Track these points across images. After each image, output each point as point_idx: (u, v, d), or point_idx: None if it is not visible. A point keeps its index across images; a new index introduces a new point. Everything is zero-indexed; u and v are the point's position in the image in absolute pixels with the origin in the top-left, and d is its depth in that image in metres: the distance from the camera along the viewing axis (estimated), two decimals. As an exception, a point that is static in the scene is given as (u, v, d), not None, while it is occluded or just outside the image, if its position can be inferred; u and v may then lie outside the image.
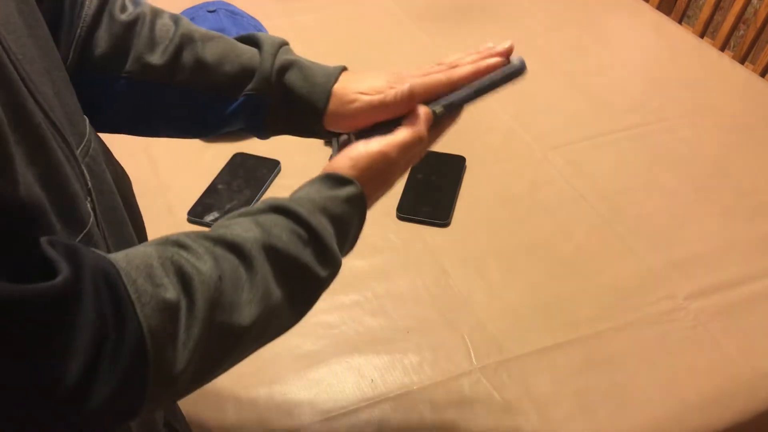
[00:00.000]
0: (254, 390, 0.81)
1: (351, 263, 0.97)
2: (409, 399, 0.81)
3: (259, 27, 1.31)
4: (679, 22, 1.67)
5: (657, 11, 1.58)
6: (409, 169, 0.66)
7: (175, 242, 0.47)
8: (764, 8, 1.55)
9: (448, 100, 0.63)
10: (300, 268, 0.52)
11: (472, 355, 0.86)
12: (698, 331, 0.89)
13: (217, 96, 0.63)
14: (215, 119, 0.64)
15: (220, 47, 0.63)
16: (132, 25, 0.61)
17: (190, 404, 0.77)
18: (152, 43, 0.61)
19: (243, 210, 0.53)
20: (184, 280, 0.44)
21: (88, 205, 0.49)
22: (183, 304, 0.43)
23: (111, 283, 0.40)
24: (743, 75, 1.38)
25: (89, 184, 0.51)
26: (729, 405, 0.82)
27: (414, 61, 1.36)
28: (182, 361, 0.43)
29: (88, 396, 0.38)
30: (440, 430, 0.78)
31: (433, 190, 1.08)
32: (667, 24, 1.53)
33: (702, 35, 1.66)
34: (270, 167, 1.10)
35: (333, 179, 0.57)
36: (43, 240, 0.39)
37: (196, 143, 1.11)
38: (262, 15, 1.35)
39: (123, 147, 1.17)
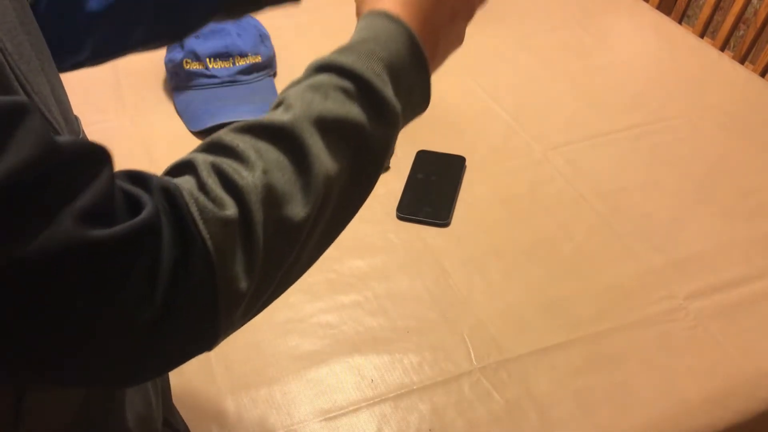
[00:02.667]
0: (254, 390, 0.82)
1: (351, 263, 0.98)
2: (409, 399, 0.81)
3: (259, 27, 1.31)
4: (679, 22, 1.67)
5: (657, 11, 1.58)
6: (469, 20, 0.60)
7: (218, 145, 0.45)
8: (764, 8, 1.55)
9: None
10: (353, 130, 0.47)
11: (472, 355, 0.86)
12: (698, 331, 0.89)
13: None
14: None
15: None
16: None
17: (190, 404, 0.77)
18: None
19: (291, 83, 0.50)
20: (235, 190, 0.42)
21: None
22: (240, 216, 0.41)
23: (175, 204, 0.40)
24: (743, 75, 1.38)
25: None
26: (729, 405, 0.82)
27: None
28: (248, 276, 0.42)
29: (168, 324, 0.38)
30: (440, 430, 0.78)
31: (433, 190, 1.08)
32: (667, 24, 1.53)
33: (702, 35, 1.66)
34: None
35: (372, 19, 0.51)
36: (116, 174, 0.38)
37: (197, 143, 1.11)
38: (262, 15, 1.35)
39: (123, 147, 1.18)
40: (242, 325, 0.46)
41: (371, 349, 0.86)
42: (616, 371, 0.84)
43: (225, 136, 0.45)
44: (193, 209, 0.39)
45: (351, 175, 0.48)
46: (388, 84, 0.49)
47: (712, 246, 1.00)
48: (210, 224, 0.39)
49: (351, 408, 0.80)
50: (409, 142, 1.15)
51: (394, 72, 0.50)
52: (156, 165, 1.12)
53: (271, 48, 1.32)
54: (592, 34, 1.48)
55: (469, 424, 0.79)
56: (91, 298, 0.36)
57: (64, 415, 0.50)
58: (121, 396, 0.56)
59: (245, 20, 1.29)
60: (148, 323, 0.37)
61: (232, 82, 1.22)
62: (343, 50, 0.49)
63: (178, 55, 1.22)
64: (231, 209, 0.41)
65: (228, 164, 0.43)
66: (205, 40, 1.22)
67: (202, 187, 0.41)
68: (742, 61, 1.56)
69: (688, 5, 1.73)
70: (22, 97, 0.36)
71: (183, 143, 1.15)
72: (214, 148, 0.45)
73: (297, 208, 0.44)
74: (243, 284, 0.41)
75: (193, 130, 1.17)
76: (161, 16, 0.63)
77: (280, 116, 0.46)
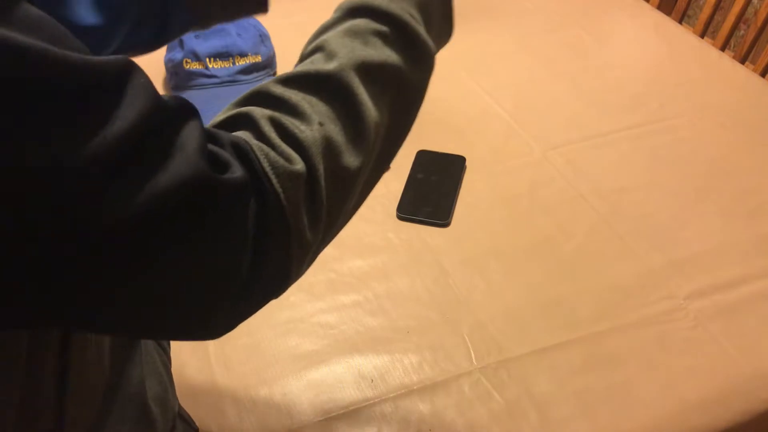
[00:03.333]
0: (254, 390, 0.81)
1: (351, 263, 0.98)
2: (409, 399, 0.81)
3: (259, 27, 1.31)
4: (680, 22, 1.67)
5: (657, 11, 1.58)
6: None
7: (269, 97, 0.45)
8: (764, 8, 1.55)
9: None
10: (394, 74, 0.48)
11: (472, 355, 0.86)
12: (698, 331, 0.89)
13: None
14: None
15: None
16: None
17: (190, 404, 0.77)
18: None
19: (323, 25, 0.50)
20: (298, 144, 0.43)
21: None
22: (306, 169, 0.42)
23: (248, 159, 0.40)
24: (743, 75, 1.38)
25: None
26: (729, 405, 0.82)
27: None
28: (314, 227, 0.43)
29: (255, 271, 0.39)
30: (440, 430, 0.78)
31: (433, 190, 1.08)
32: (667, 24, 1.53)
33: (702, 35, 1.66)
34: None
35: None
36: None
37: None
38: (261, 15, 1.35)
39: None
40: (305, 272, 0.47)
41: (371, 349, 0.86)
42: (616, 371, 0.84)
43: (274, 88, 0.45)
44: (265, 164, 0.40)
45: (394, 117, 0.49)
46: (421, 24, 0.50)
47: (712, 246, 1.00)
48: (282, 179, 0.40)
49: (351, 408, 0.80)
50: (409, 142, 1.14)
51: (425, 9, 0.51)
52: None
53: (271, 48, 1.32)
54: (592, 34, 1.48)
55: (469, 424, 0.79)
56: (205, 236, 0.37)
57: (100, 377, 0.51)
58: (140, 373, 0.57)
59: (245, 20, 1.29)
60: (239, 273, 0.39)
61: (232, 81, 1.22)
62: None
63: (178, 54, 1.22)
64: (299, 164, 0.42)
65: (285, 118, 0.43)
66: (205, 39, 1.22)
67: (267, 141, 0.42)
68: (742, 61, 1.56)
69: (688, 5, 1.73)
70: (125, 56, 0.37)
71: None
72: (266, 100, 0.45)
73: (352, 158, 0.45)
74: (310, 234, 0.43)
75: (193, 130, 1.17)
76: (142, 28, 0.64)
77: (324, 65, 0.46)
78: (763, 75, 1.49)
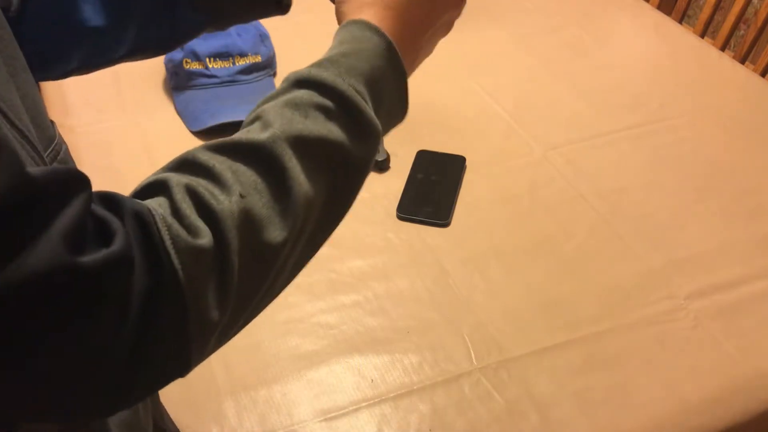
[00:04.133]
0: (254, 390, 0.81)
1: (351, 263, 0.98)
2: (409, 399, 0.81)
3: (259, 27, 1.31)
4: (680, 22, 1.67)
5: (657, 11, 1.58)
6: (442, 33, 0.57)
7: (193, 164, 0.43)
8: (764, 8, 1.55)
9: None
10: (333, 150, 0.46)
11: (472, 355, 0.86)
12: (698, 331, 0.89)
13: None
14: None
15: None
16: None
17: (190, 404, 0.77)
18: None
19: (268, 96, 0.48)
20: (211, 216, 0.41)
21: None
22: (215, 244, 0.40)
23: (147, 231, 0.38)
24: (743, 75, 1.38)
25: None
26: (729, 405, 0.82)
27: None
28: (221, 305, 0.40)
29: (139, 354, 0.37)
30: (440, 430, 0.78)
31: (433, 190, 1.08)
32: (667, 24, 1.53)
33: (702, 35, 1.66)
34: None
35: (354, 29, 0.51)
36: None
37: (197, 143, 1.11)
38: (262, 15, 1.35)
39: (123, 147, 1.18)
40: (216, 350, 0.44)
41: (371, 349, 0.86)
42: (616, 371, 0.84)
43: (200, 154, 0.43)
44: (166, 237, 0.38)
45: (331, 195, 0.47)
46: (369, 101, 0.48)
47: (712, 246, 1.00)
48: (182, 254, 0.38)
49: (351, 408, 0.80)
50: (409, 142, 1.15)
51: (375, 88, 0.49)
52: (156, 165, 1.11)
53: (271, 48, 1.32)
54: (592, 34, 1.48)
55: (469, 424, 0.79)
56: (66, 326, 0.35)
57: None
58: None
59: (245, 20, 1.29)
60: (120, 353, 0.36)
61: (232, 81, 1.22)
62: (323, 63, 0.48)
63: (177, 55, 1.22)
64: (205, 237, 0.39)
65: (204, 186, 0.41)
66: (205, 39, 1.22)
67: (176, 212, 0.40)
68: (742, 61, 1.56)
69: (688, 5, 1.73)
70: None
71: (183, 143, 1.15)
72: (189, 167, 0.43)
73: (275, 233, 0.43)
74: (215, 314, 0.40)
75: (193, 130, 1.17)
76: (150, 29, 0.63)
77: (257, 135, 0.44)
78: (763, 75, 1.49)
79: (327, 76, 0.47)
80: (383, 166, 1.11)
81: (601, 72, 1.37)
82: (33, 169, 0.35)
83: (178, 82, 1.24)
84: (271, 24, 1.35)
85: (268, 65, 1.29)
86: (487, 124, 1.23)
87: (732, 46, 1.76)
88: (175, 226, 0.39)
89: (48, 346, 0.35)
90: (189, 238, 0.39)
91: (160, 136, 1.17)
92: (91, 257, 0.35)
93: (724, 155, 1.17)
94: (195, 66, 1.21)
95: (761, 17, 1.55)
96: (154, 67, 1.29)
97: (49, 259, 0.33)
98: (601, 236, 1.02)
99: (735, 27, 1.62)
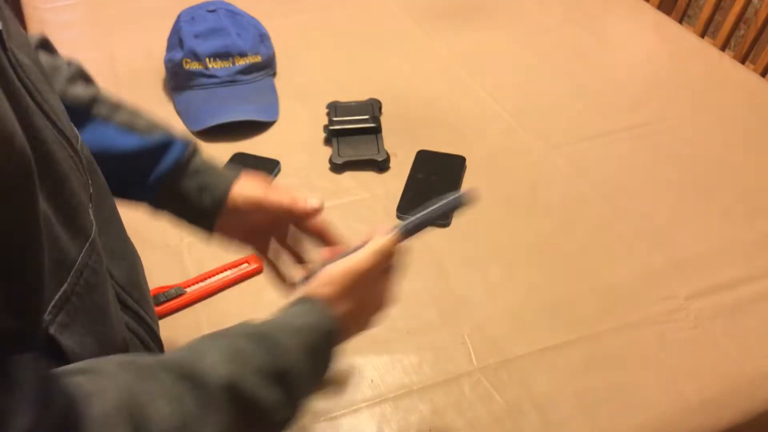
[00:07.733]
0: (254, 390, 0.81)
1: (351, 263, 0.97)
2: (409, 399, 0.81)
3: (258, 27, 1.31)
4: (680, 21, 1.67)
5: (658, 11, 1.58)
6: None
7: (139, 374, 0.44)
8: (765, 8, 1.55)
9: (402, 227, 0.68)
10: (260, 412, 0.50)
11: (472, 355, 0.85)
12: (698, 331, 0.89)
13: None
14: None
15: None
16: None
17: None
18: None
19: (223, 331, 0.52)
20: None
21: (91, 213, 0.49)
22: None
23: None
24: (743, 75, 1.38)
25: (91, 189, 0.51)
26: (729, 405, 0.82)
27: (414, 61, 1.36)
28: None
29: None
30: (440, 431, 0.78)
31: (433, 190, 1.08)
32: (667, 24, 1.53)
33: (702, 35, 1.66)
34: (270, 167, 1.10)
35: (306, 307, 0.59)
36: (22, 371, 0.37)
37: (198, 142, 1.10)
38: (262, 15, 1.35)
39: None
40: None
41: (371, 350, 0.86)
42: (616, 371, 0.84)
43: (151, 371, 0.44)
44: None
45: None
46: (308, 377, 0.55)
47: (712, 246, 1.00)
48: None
49: (351, 408, 0.80)
50: (409, 142, 1.14)
51: (301, 382, 0.54)
52: (156, 165, 1.12)
53: (270, 48, 1.31)
54: (593, 34, 1.48)
55: (469, 424, 0.79)
56: None
57: None
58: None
59: (245, 20, 1.29)
60: None
61: (232, 81, 1.22)
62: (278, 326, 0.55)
63: (177, 54, 1.22)
64: None
65: (142, 409, 0.42)
66: (205, 39, 1.22)
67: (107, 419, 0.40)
68: (742, 61, 1.57)
69: (688, 5, 1.73)
70: None
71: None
72: (138, 378, 0.43)
73: None
74: None
75: (193, 130, 1.17)
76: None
77: (206, 369, 0.47)
78: (763, 75, 1.49)
79: (280, 344, 0.53)
80: (383, 166, 1.11)
81: (602, 72, 1.37)
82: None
83: (178, 82, 1.24)
84: (271, 24, 1.35)
85: (267, 65, 1.29)
86: (487, 124, 1.23)
87: (732, 46, 1.76)
88: None
89: None
90: None
91: (160, 136, 1.16)
92: None
93: (724, 155, 1.17)
94: (195, 66, 1.21)
95: (761, 17, 1.56)
96: (154, 67, 1.29)
97: None
98: (601, 236, 1.02)
99: (735, 27, 1.62)
